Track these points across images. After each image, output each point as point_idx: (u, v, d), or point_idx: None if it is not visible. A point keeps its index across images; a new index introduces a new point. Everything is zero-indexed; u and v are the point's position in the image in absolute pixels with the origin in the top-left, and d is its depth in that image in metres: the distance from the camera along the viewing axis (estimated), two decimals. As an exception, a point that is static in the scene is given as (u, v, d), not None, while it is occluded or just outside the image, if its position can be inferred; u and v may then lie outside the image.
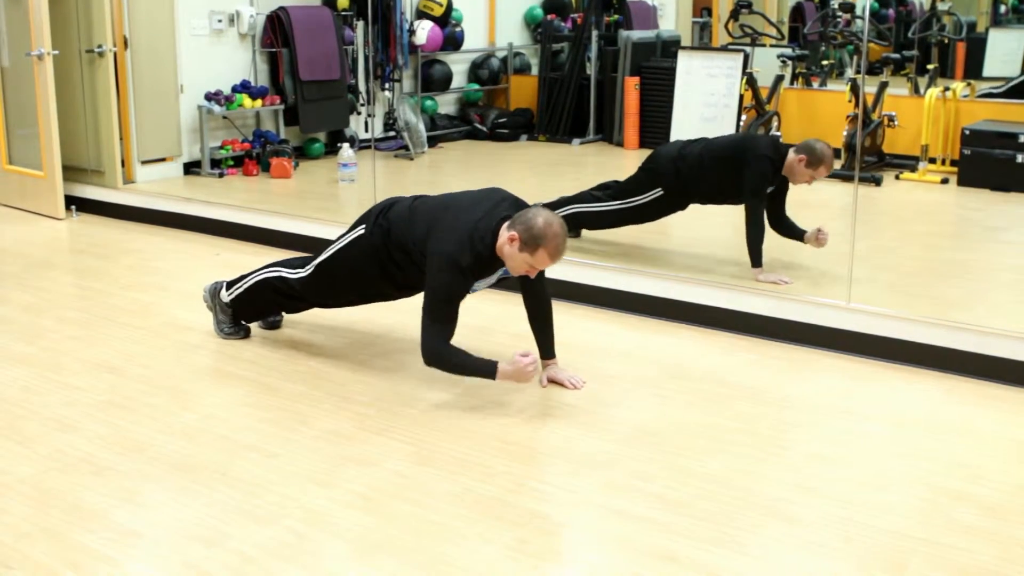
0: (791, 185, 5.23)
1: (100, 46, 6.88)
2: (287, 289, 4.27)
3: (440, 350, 3.73)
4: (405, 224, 3.88)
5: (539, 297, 4.01)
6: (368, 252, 3.99)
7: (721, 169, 5.22)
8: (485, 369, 3.73)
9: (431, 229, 3.77)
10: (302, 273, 4.21)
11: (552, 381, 4.02)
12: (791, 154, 5.09)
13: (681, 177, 5.29)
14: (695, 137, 5.56)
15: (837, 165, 7.61)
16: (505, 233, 3.67)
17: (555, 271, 5.06)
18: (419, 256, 3.80)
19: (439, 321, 3.72)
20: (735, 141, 5.53)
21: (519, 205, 3.81)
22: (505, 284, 4.09)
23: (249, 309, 4.49)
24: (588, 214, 5.62)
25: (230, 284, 4.46)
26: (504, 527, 2.97)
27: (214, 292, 4.52)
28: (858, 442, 3.57)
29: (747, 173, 5.12)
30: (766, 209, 5.20)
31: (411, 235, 3.84)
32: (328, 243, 4.23)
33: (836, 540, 2.92)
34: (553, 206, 5.73)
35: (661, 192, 5.34)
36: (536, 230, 3.60)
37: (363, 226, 4.02)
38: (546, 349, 4.06)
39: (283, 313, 4.63)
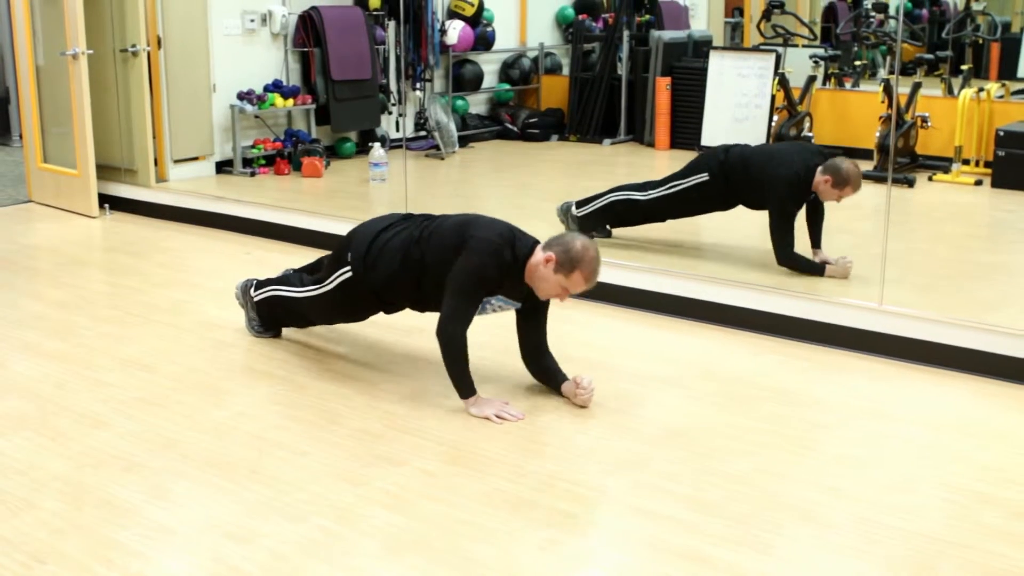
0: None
1: (134, 45, 6.94)
2: (294, 306, 4.30)
3: (457, 336, 3.68)
4: (420, 251, 3.81)
5: (538, 333, 3.90)
6: (361, 292, 4.00)
7: (753, 180, 5.26)
8: (466, 387, 3.72)
9: (465, 234, 3.71)
10: (304, 294, 4.21)
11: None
12: (817, 174, 5.07)
13: (724, 169, 5.33)
14: (736, 142, 5.58)
15: (869, 166, 7.59)
16: (540, 254, 3.66)
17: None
18: (442, 269, 3.74)
19: (464, 303, 3.68)
20: (767, 157, 5.34)
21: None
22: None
23: (269, 319, 4.52)
24: (629, 202, 5.61)
25: (258, 285, 4.48)
26: (534, 527, 2.98)
27: (245, 289, 4.54)
28: (887, 444, 3.56)
29: (769, 195, 5.18)
30: (806, 217, 5.26)
31: (432, 255, 3.78)
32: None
33: (864, 542, 2.91)
34: (585, 201, 5.74)
35: (707, 177, 5.36)
36: (574, 252, 3.60)
37: (348, 268, 3.99)
38: (559, 378, 3.89)
39: None
